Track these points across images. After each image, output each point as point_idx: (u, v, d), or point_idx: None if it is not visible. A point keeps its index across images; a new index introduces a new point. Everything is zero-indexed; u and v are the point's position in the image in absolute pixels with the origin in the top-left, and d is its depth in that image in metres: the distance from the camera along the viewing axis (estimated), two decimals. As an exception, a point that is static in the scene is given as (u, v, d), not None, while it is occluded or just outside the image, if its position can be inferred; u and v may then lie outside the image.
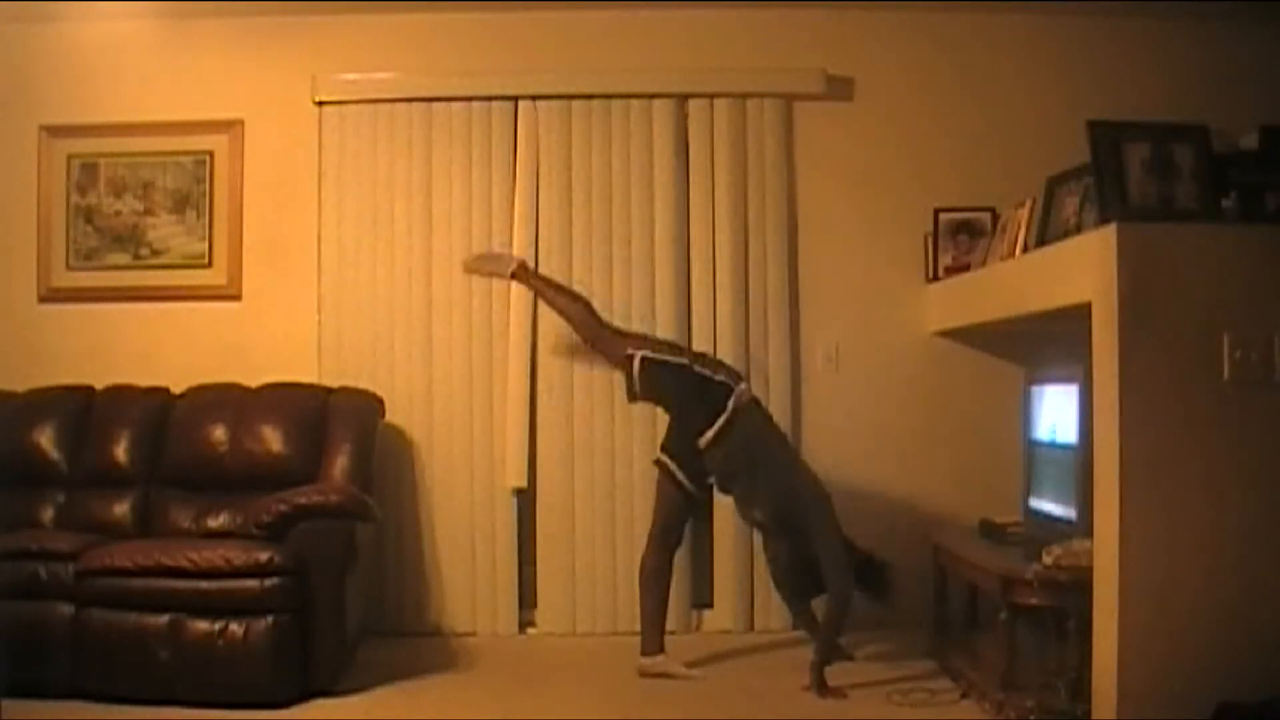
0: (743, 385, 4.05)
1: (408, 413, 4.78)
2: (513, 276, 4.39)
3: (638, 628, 4.59)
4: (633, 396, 4.14)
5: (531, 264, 4.77)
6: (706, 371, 4.04)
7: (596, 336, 4.26)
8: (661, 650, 4.07)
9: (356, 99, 4.84)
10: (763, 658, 4.23)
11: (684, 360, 4.08)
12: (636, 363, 4.06)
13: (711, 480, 4.06)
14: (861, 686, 3.83)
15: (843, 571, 3.83)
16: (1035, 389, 4.08)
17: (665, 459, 4.09)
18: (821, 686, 3.77)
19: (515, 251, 4.76)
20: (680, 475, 4.05)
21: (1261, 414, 3.02)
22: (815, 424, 4.84)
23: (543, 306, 4.77)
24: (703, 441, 3.93)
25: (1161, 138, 3.20)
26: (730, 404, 3.94)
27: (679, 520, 4.14)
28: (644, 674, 4.02)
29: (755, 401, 4.11)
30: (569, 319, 4.32)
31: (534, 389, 4.79)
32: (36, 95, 4.91)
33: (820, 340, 4.89)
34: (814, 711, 3.66)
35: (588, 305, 4.33)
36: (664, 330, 4.75)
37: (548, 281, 4.46)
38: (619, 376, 4.72)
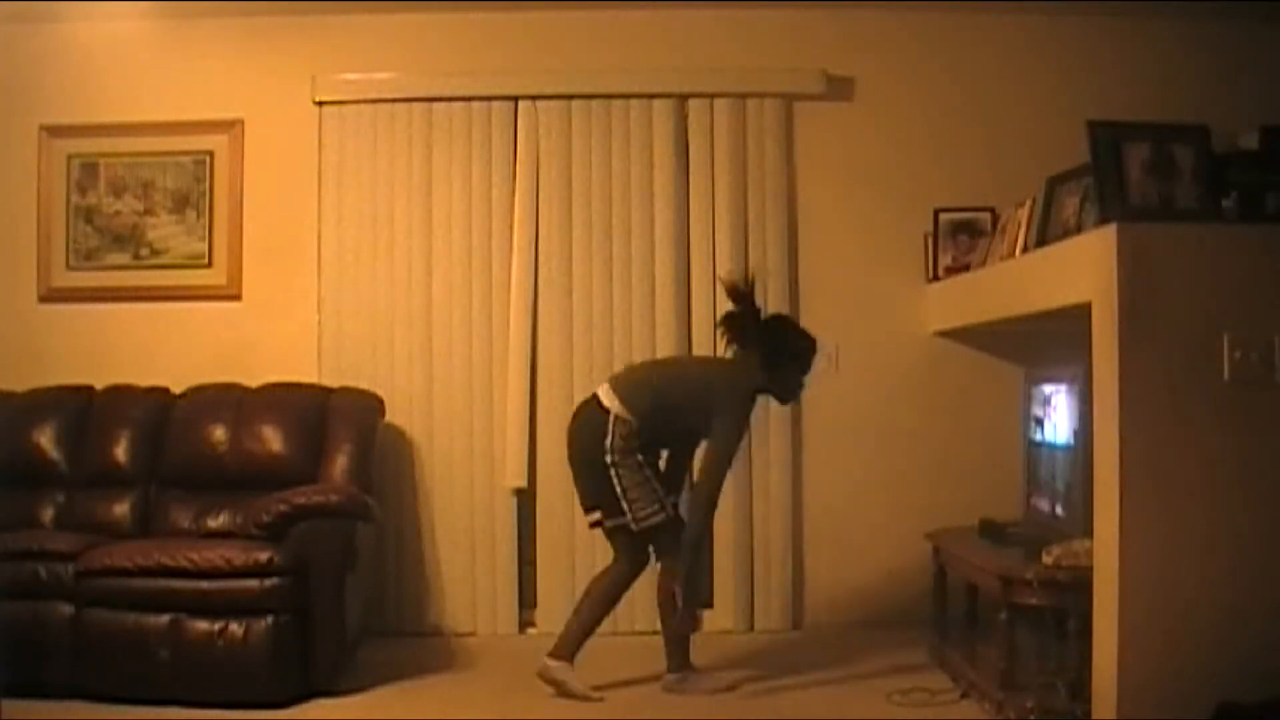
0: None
1: (408, 413, 4.78)
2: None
3: (638, 628, 4.63)
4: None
5: (532, 263, 4.78)
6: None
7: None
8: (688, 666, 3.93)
9: (356, 99, 4.84)
10: (763, 658, 4.23)
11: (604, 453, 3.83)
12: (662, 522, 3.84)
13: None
14: (862, 687, 3.83)
15: (713, 479, 3.77)
16: (1035, 389, 4.08)
17: (599, 518, 3.89)
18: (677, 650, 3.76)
19: (515, 252, 4.77)
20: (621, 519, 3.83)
21: (1261, 414, 3.01)
22: (815, 424, 4.84)
23: (543, 307, 4.78)
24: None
25: (1161, 138, 3.19)
26: (602, 393, 3.88)
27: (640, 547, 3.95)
28: (669, 691, 3.88)
29: (618, 374, 4.05)
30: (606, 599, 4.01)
31: (534, 389, 4.79)
32: (36, 95, 4.91)
33: (820, 340, 4.88)
34: (814, 712, 3.66)
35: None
36: (663, 331, 4.76)
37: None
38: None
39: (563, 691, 3.81)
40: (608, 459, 3.76)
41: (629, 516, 3.79)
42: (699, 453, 3.96)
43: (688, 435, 3.95)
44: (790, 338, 3.95)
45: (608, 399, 3.83)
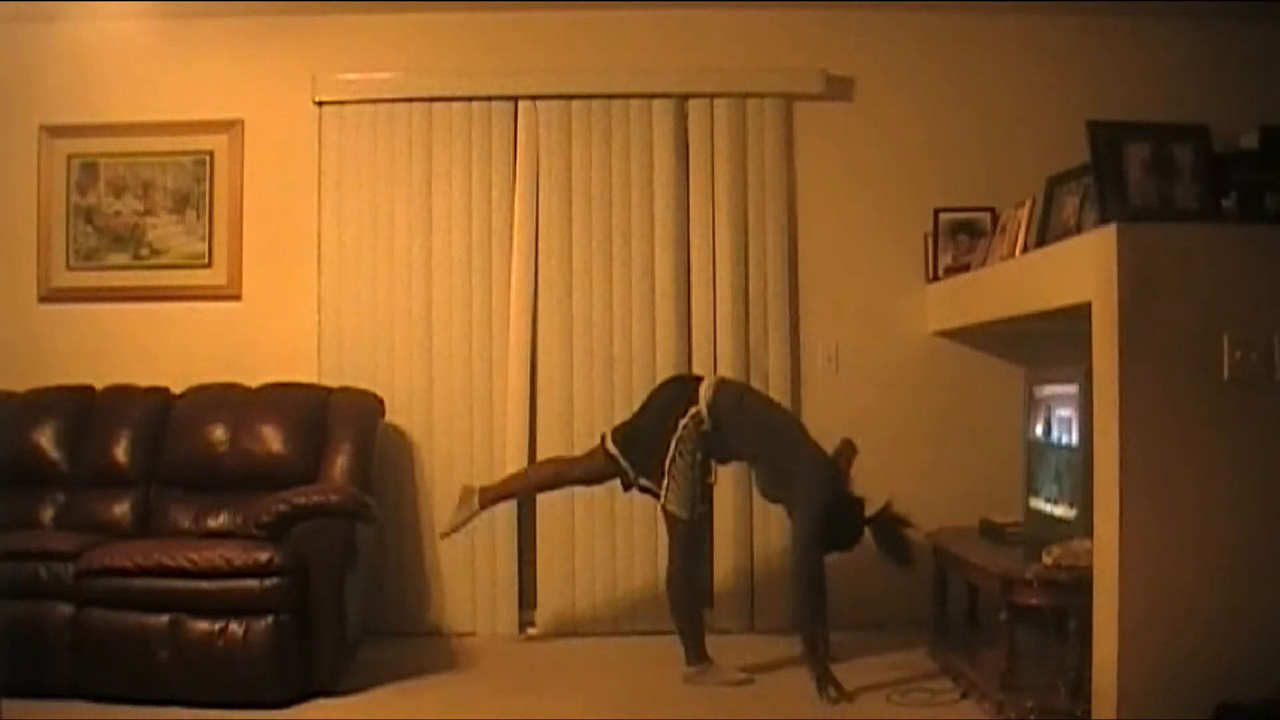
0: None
1: (408, 413, 4.78)
2: (483, 506, 4.22)
3: (638, 628, 4.63)
4: (627, 483, 4.11)
5: (532, 263, 4.78)
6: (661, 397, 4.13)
7: (570, 472, 4.29)
8: (705, 659, 4.02)
9: (356, 99, 4.84)
10: (763, 658, 4.22)
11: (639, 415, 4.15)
12: (607, 442, 4.09)
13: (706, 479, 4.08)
14: (861, 687, 3.83)
15: (807, 555, 3.84)
16: (1035, 389, 4.08)
17: (645, 483, 4.06)
18: (824, 683, 3.75)
19: (515, 252, 4.78)
20: (657, 489, 4.01)
21: (1261, 414, 3.02)
22: (815, 424, 4.77)
23: (543, 307, 4.78)
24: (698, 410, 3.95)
25: (1161, 138, 3.20)
26: (709, 377, 4.14)
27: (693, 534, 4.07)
28: (689, 682, 3.98)
29: (727, 381, 4.20)
30: (544, 483, 4.38)
31: (534, 389, 4.79)
32: (36, 95, 4.91)
33: (820, 341, 4.89)
34: (814, 711, 3.66)
35: (546, 461, 4.46)
36: (663, 330, 4.77)
37: (511, 478, 4.44)
38: (619, 376, 4.76)
39: (715, 683, 3.94)
40: (675, 436, 3.93)
41: (662, 492, 3.96)
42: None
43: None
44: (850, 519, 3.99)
45: (705, 392, 3.99)
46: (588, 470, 4.21)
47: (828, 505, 3.88)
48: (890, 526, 3.91)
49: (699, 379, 4.17)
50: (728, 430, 3.97)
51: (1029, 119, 4.80)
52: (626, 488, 4.14)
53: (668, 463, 3.94)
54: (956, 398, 4.84)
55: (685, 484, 3.94)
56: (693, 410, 3.95)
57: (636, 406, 4.24)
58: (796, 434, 4.06)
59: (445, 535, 4.30)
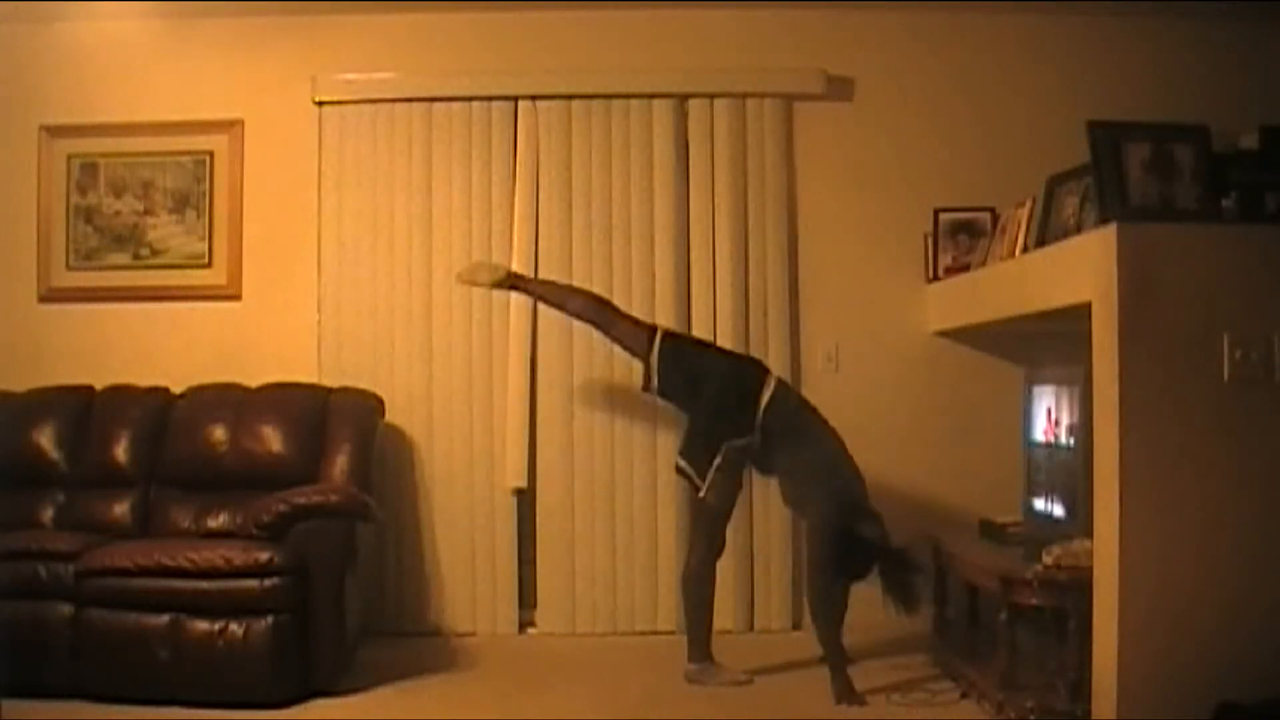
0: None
1: (408, 413, 4.78)
2: (512, 287, 4.34)
3: (638, 628, 4.63)
4: (648, 383, 4.08)
5: (532, 264, 4.78)
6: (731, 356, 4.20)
7: (610, 323, 4.24)
8: (708, 658, 4.02)
9: (356, 99, 4.84)
10: (763, 658, 4.22)
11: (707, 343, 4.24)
12: (658, 338, 4.07)
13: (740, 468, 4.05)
14: (862, 687, 3.82)
15: (818, 574, 3.83)
16: (1035, 389, 4.08)
17: (684, 465, 4.01)
18: (844, 693, 3.74)
19: (515, 252, 4.77)
20: (699, 481, 3.96)
21: (1261, 414, 3.02)
22: (815, 424, 4.84)
23: (544, 307, 4.78)
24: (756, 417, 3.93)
25: (1161, 138, 3.20)
26: (771, 378, 4.05)
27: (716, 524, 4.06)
28: (690, 680, 3.98)
29: (785, 389, 4.13)
30: (580, 314, 4.32)
31: (534, 389, 4.79)
32: (36, 95, 4.91)
33: (820, 340, 4.89)
34: (814, 711, 3.66)
35: (594, 295, 4.37)
36: (664, 330, 4.77)
37: (546, 284, 4.51)
38: (621, 375, 4.75)
39: (716, 683, 3.94)
40: (732, 443, 3.92)
41: (704, 483, 3.94)
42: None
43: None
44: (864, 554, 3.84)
45: (765, 393, 3.98)
46: (625, 336, 4.20)
47: (840, 534, 3.80)
48: (901, 569, 3.70)
49: (764, 370, 4.12)
50: (773, 443, 3.97)
51: (1029, 119, 4.81)
52: (645, 388, 4.12)
53: (718, 459, 3.92)
54: (956, 398, 4.84)
55: (727, 480, 3.95)
56: (750, 439, 3.93)
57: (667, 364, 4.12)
58: (828, 458, 3.95)
59: (459, 280, 4.41)
